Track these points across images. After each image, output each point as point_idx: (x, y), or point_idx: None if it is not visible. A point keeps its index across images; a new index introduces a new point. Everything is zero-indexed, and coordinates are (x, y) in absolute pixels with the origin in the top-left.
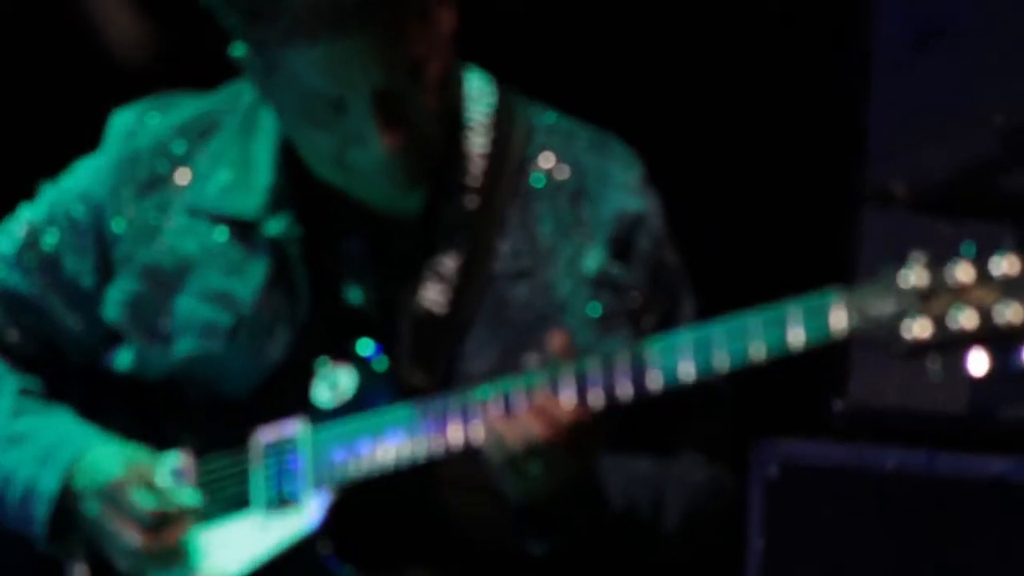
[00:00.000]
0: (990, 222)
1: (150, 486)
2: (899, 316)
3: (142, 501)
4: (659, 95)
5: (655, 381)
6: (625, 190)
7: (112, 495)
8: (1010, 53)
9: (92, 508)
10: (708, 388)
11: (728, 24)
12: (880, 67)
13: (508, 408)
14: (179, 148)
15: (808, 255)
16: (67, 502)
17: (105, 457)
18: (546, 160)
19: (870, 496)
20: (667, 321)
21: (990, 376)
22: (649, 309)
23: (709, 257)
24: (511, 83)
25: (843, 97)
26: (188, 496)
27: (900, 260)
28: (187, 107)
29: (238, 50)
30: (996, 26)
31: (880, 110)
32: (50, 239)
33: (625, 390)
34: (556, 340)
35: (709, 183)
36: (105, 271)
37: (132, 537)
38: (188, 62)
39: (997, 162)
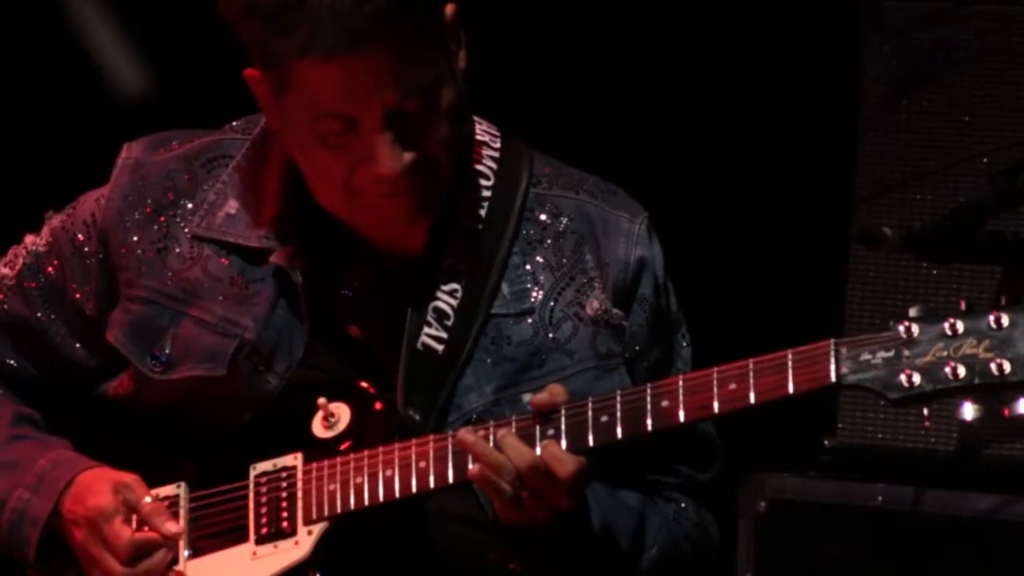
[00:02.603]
0: (977, 265)
1: (134, 514)
2: (891, 367)
3: (120, 531)
4: (651, 141)
5: (650, 426)
6: (629, 237)
7: (95, 522)
8: (996, 96)
9: (78, 533)
10: (703, 436)
11: (721, 68)
12: (868, 109)
13: (499, 439)
14: (187, 177)
15: (796, 296)
16: (57, 526)
17: (95, 482)
18: (550, 207)
19: (858, 532)
20: (663, 366)
21: (979, 422)
22: (646, 354)
23: (700, 297)
24: (516, 132)
25: (832, 140)
26: (169, 527)
27: (893, 312)
28: (196, 139)
29: (253, 67)
30: (983, 70)
31: (868, 152)
32: (53, 265)
33: (622, 434)
34: (554, 388)
35: (699, 222)
36: (109, 297)
37: (111, 566)
38: (198, 99)
39: (984, 205)
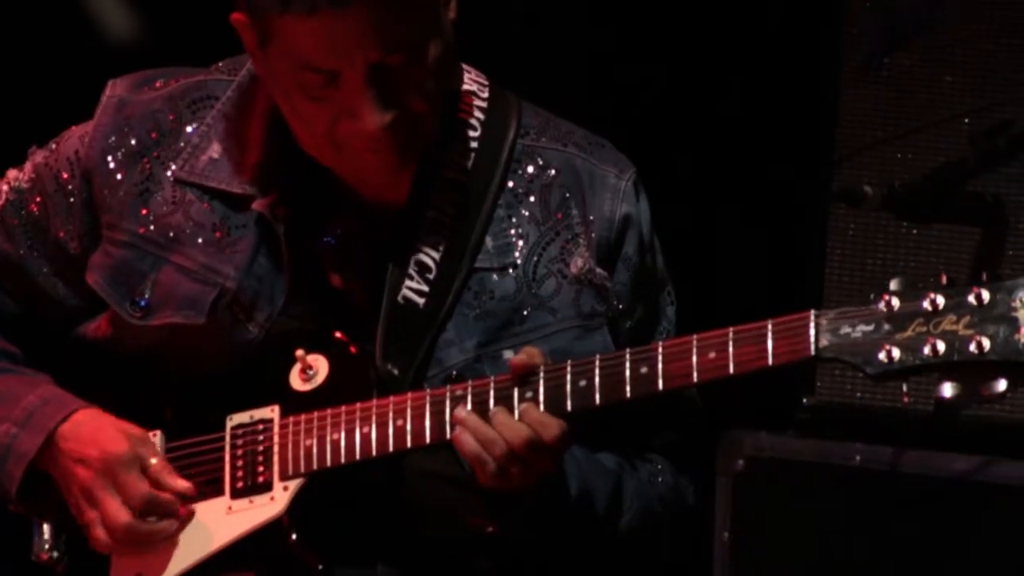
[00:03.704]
0: (956, 225)
1: (145, 468)
2: (871, 342)
3: (140, 483)
4: (630, 93)
5: (628, 393)
6: (615, 194)
7: (112, 467)
8: (978, 57)
9: (82, 473)
10: (682, 399)
11: (702, 27)
12: (850, 69)
13: (484, 411)
14: (171, 118)
15: (777, 253)
16: (44, 463)
17: (104, 427)
18: (537, 159)
19: (835, 491)
20: (646, 327)
21: (959, 400)
22: (629, 313)
23: (680, 255)
24: (506, 82)
25: (813, 99)
26: (181, 485)
27: (874, 284)
28: (182, 79)
29: (237, 16)
30: (965, 30)
31: (849, 111)
32: (36, 202)
33: (600, 400)
34: (531, 350)
35: (679, 182)
36: (91, 237)
37: (120, 515)
38: (188, 35)
39: (964, 165)
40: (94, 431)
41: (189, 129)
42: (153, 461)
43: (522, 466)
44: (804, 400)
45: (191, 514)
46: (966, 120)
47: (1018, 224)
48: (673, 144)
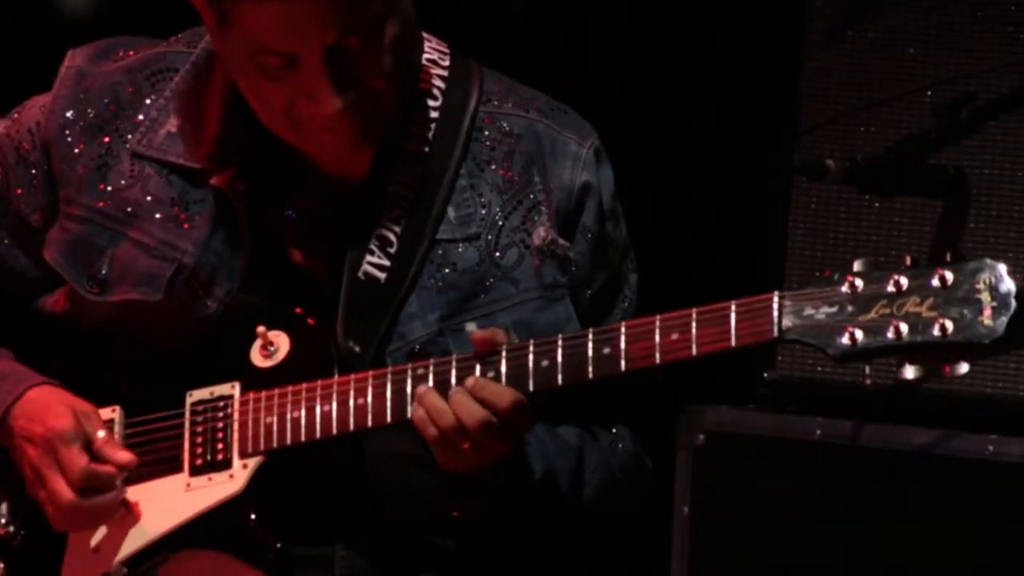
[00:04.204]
0: (918, 198)
1: (89, 443)
2: (834, 323)
3: (78, 458)
4: (589, 65)
5: (591, 374)
6: (576, 161)
7: (53, 443)
8: (941, 29)
9: (31, 451)
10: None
11: (665, 2)
12: (812, 41)
13: (446, 389)
14: (131, 91)
15: (738, 227)
16: (1, 439)
17: (53, 402)
18: (498, 126)
19: (796, 465)
20: (607, 295)
21: (921, 382)
22: (589, 282)
23: (641, 228)
24: (467, 49)
25: (775, 71)
26: (123, 457)
27: (839, 259)
28: (142, 50)
29: None
30: (928, 2)
31: (812, 84)
32: None
33: (562, 381)
34: (497, 330)
35: (641, 156)
36: (51, 210)
37: (63, 493)
38: (147, 6)
39: (927, 138)
40: (42, 408)
41: (148, 102)
42: (100, 434)
43: (474, 443)
44: (765, 374)
45: (147, 491)
46: (929, 93)
47: (980, 197)
48: (634, 118)
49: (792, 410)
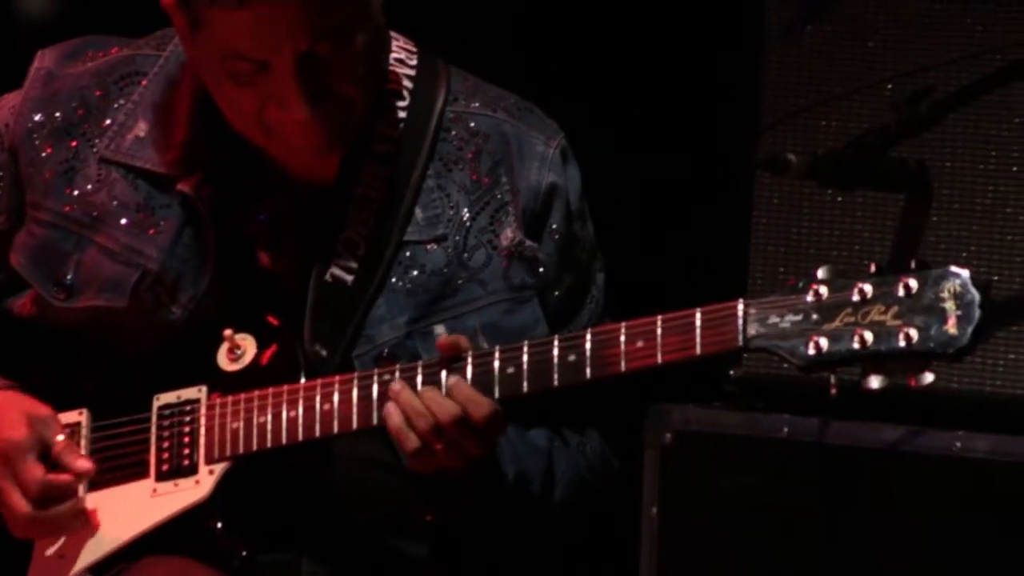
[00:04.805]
0: (881, 191)
1: (47, 451)
2: (799, 332)
3: (33, 469)
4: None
5: (556, 381)
6: (543, 162)
7: (8, 454)
8: (900, 22)
9: None
10: None
11: None
12: (772, 35)
13: (417, 392)
14: (98, 94)
15: (701, 222)
16: None
17: (8, 410)
18: (465, 126)
19: (764, 463)
20: (575, 295)
21: (885, 390)
22: (556, 283)
23: (604, 224)
24: (434, 48)
25: (736, 66)
26: (82, 465)
27: (803, 274)
28: (111, 52)
29: (166, 2)
30: None
31: (772, 78)
32: None
33: (528, 388)
34: (461, 337)
35: (602, 152)
36: (17, 214)
37: (19, 506)
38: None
39: (888, 131)
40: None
41: (116, 106)
42: (59, 438)
43: (447, 444)
44: (731, 372)
45: (113, 496)
46: (889, 86)
47: (942, 190)
48: (595, 114)
49: (759, 408)
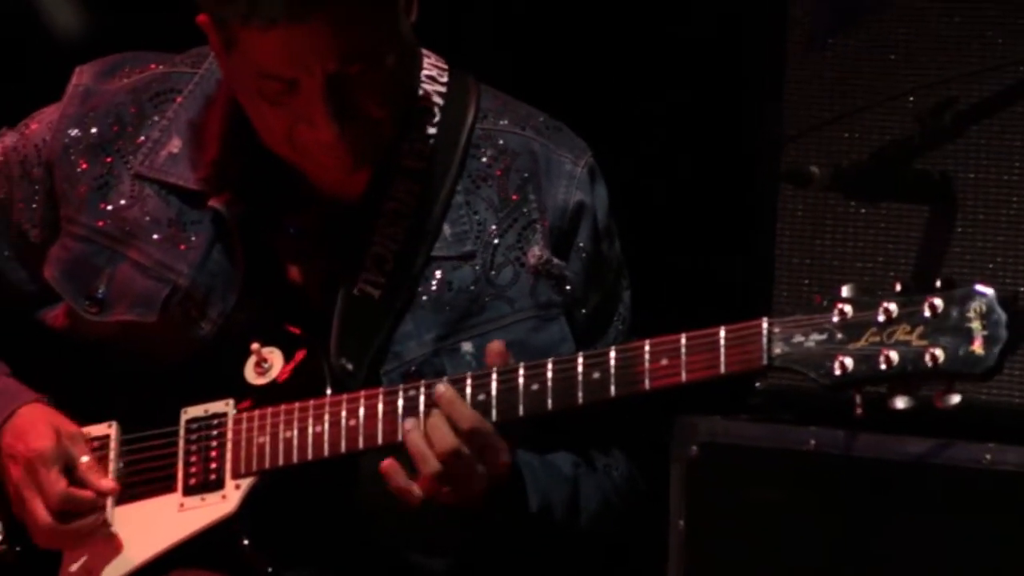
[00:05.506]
0: (904, 203)
1: (72, 465)
2: (824, 351)
3: (56, 480)
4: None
5: (580, 399)
6: (571, 180)
7: (34, 464)
8: (921, 35)
9: (14, 471)
10: None
11: (646, 10)
12: (795, 48)
13: (431, 414)
14: (133, 111)
15: (725, 236)
16: None
17: (38, 422)
18: (495, 143)
19: (790, 475)
20: (602, 314)
21: (911, 411)
22: (583, 301)
23: (628, 240)
24: (464, 66)
25: (759, 78)
26: (105, 485)
27: (827, 291)
28: (147, 69)
29: (202, 18)
30: (908, 8)
31: (795, 91)
32: (2, 185)
33: (552, 405)
34: (492, 350)
35: (627, 168)
36: (51, 228)
37: (40, 515)
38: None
39: (911, 143)
40: (28, 427)
41: (150, 123)
42: (83, 459)
43: (450, 482)
44: (757, 384)
45: (141, 510)
46: (911, 98)
47: (966, 201)
48: (620, 129)
49: (786, 420)
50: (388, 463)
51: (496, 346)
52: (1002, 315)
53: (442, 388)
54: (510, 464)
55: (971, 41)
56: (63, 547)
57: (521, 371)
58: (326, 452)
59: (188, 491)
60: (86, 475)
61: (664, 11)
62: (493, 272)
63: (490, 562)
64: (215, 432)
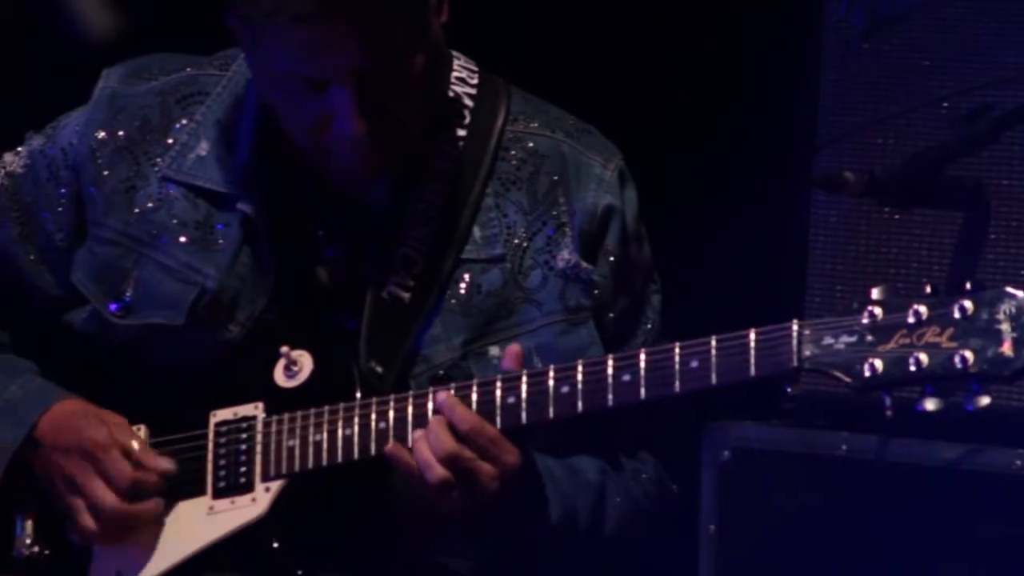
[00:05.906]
0: (938, 209)
1: (127, 450)
2: (854, 353)
3: (123, 464)
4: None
5: (610, 401)
6: (600, 184)
7: (92, 452)
8: (956, 40)
9: (65, 462)
10: None
11: (680, 13)
12: (830, 53)
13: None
14: (160, 114)
15: (758, 241)
16: (27, 456)
17: (81, 414)
18: (524, 146)
19: (822, 480)
20: (630, 318)
21: (942, 413)
22: (611, 305)
23: (659, 244)
24: (495, 68)
25: (793, 84)
26: (164, 465)
27: (859, 294)
28: (174, 71)
29: (228, 19)
30: (943, 13)
31: (829, 96)
32: (29, 189)
33: (582, 407)
34: (510, 353)
35: (659, 172)
36: (78, 232)
37: (107, 497)
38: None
39: (945, 149)
40: (73, 418)
41: (178, 126)
42: (134, 445)
43: (456, 488)
44: (788, 389)
45: (170, 513)
46: (945, 104)
47: (1000, 208)
48: (652, 133)
49: (817, 425)
50: (393, 445)
51: (514, 349)
52: None
53: (443, 396)
54: (518, 465)
55: (1006, 47)
56: (121, 534)
57: (551, 373)
58: (356, 455)
59: (218, 494)
60: (144, 458)
61: (698, 15)
62: (521, 275)
63: (516, 565)
64: (244, 435)
